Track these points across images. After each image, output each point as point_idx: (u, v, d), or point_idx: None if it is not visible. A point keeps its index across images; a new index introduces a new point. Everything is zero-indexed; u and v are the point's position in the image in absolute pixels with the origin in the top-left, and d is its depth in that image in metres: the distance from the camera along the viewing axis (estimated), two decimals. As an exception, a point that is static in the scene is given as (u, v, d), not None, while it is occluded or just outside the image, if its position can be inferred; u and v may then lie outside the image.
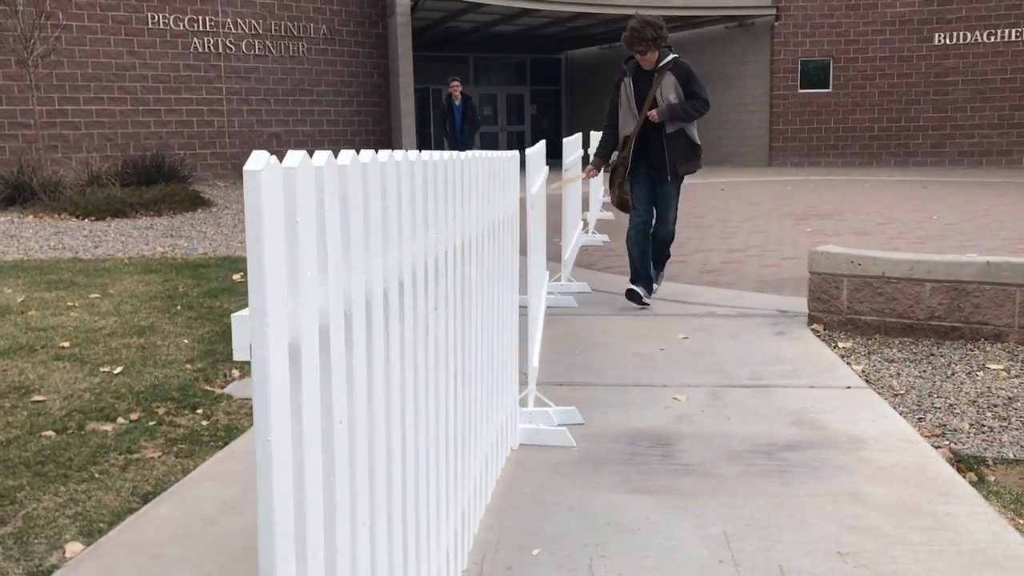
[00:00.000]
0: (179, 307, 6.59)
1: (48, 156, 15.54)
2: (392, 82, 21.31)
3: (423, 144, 26.20)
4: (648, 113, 6.17)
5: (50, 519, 3.11)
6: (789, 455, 3.62)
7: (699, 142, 6.43)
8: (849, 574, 2.64)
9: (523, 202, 3.96)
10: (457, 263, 2.38)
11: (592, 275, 7.98)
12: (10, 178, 13.81)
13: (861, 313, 5.60)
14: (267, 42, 19.77)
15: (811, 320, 5.80)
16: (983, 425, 4.00)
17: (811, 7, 23.93)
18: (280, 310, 1.09)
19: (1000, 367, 4.83)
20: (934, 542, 2.83)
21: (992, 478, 3.45)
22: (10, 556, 2.84)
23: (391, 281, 1.66)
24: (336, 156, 1.30)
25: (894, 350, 5.24)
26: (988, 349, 5.16)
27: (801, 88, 24.43)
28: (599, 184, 12.62)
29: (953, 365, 4.91)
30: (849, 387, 4.53)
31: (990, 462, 3.60)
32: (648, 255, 6.44)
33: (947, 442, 3.81)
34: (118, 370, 4.92)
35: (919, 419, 4.10)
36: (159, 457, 3.70)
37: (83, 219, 12.57)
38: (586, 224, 10.80)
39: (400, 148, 20.14)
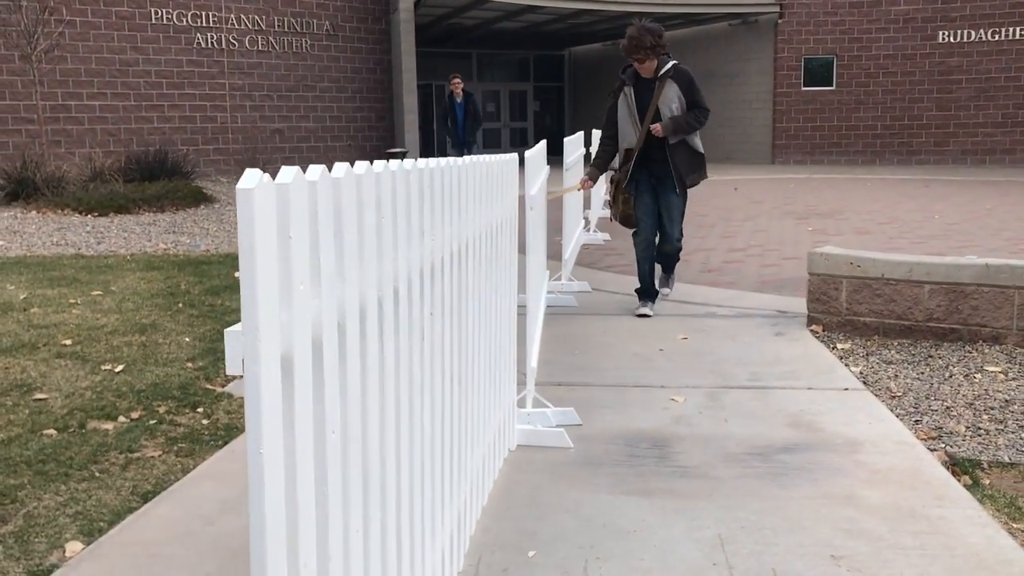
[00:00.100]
0: (181, 305, 6.61)
1: (51, 151, 15.58)
2: (395, 78, 21.32)
3: (426, 140, 26.22)
4: (652, 127, 5.98)
5: (51, 518, 3.14)
6: (785, 457, 3.64)
7: (702, 151, 6.26)
8: (842, 578, 2.66)
9: (522, 200, 3.98)
10: (454, 268, 2.40)
11: (593, 274, 7.99)
12: (13, 173, 13.84)
13: (860, 314, 5.62)
14: (270, 38, 19.79)
15: (810, 321, 5.82)
16: (979, 428, 4.02)
17: (815, 4, 23.90)
18: (272, 326, 1.11)
19: (998, 369, 4.85)
20: (927, 546, 2.85)
21: (987, 481, 3.47)
22: (11, 555, 2.86)
23: (386, 289, 1.68)
24: (331, 168, 1.31)
25: (893, 352, 5.25)
26: (986, 351, 5.17)
27: (805, 86, 24.39)
28: (601, 182, 12.61)
29: (951, 367, 4.92)
30: (847, 389, 4.54)
31: (985, 465, 3.62)
32: (654, 271, 6.37)
33: (943, 445, 3.82)
34: (119, 368, 4.95)
35: (916, 421, 4.12)
36: (159, 456, 3.73)
37: (86, 215, 12.60)
38: (587, 222, 10.81)
39: (403, 144, 20.22)
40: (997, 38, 22.73)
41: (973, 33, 22.88)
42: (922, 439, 3.86)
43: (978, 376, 4.75)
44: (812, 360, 5.08)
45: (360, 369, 1.53)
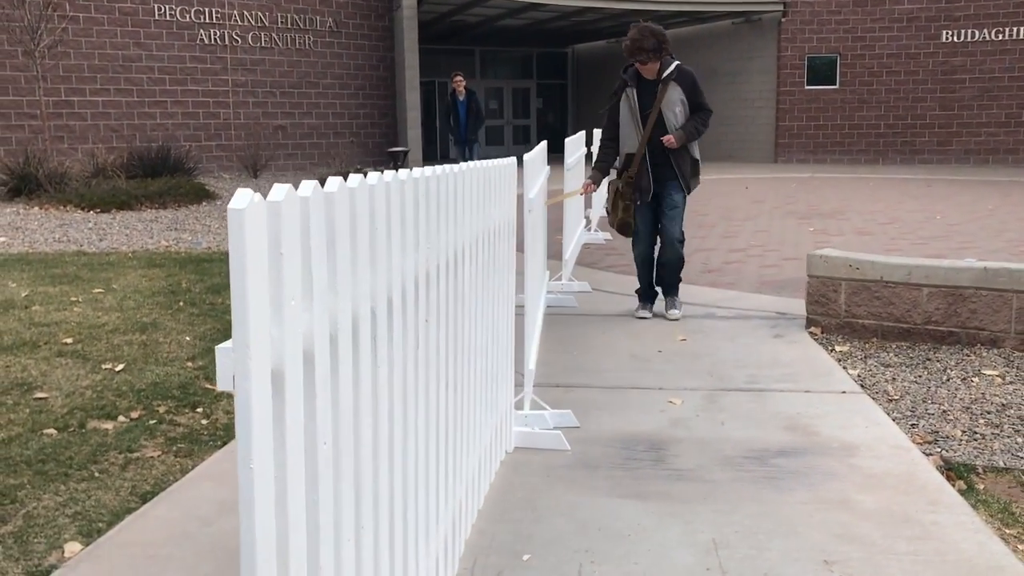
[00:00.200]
0: (182, 303, 6.64)
1: (54, 147, 15.61)
2: (398, 75, 21.33)
3: (428, 137, 26.24)
4: (664, 140, 5.86)
5: (50, 518, 3.16)
6: (781, 461, 3.66)
7: (699, 157, 6.17)
8: (835, 583, 2.68)
9: (521, 198, 3.99)
10: (450, 275, 2.42)
11: (593, 274, 8.01)
12: (16, 169, 13.88)
13: (859, 317, 5.63)
14: (273, 34, 19.80)
15: (809, 323, 5.83)
16: (975, 432, 4.03)
17: (819, 3, 23.88)
18: (262, 343, 1.13)
19: (995, 373, 4.86)
20: (920, 552, 2.86)
21: (981, 486, 3.48)
22: (10, 555, 2.89)
23: (379, 300, 1.70)
24: (329, 174, 1.33)
25: (891, 354, 5.27)
26: (984, 355, 5.19)
27: (808, 85, 24.38)
28: (603, 180, 12.61)
29: (949, 370, 4.93)
30: (844, 392, 4.56)
31: (980, 470, 3.63)
32: (653, 272, 6.30)
33: (939, 449, 3.84)
34: (120, 367, 4.97)
35: (912, 425, 4.13)
36: (158, 456, 3.75)
37: (88, 211, 12.63)
38: (588, 222, 10.81)
39: (405, 141, 20.23)
40: (1001, 38, 22.70)
41: (977, 32, 22.85)
42: (918, 443, 3.88)
43: (975, 380, 4.76)
44: (810, 363, 5.10)
45: (353, 380, 1.55)
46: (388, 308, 1.77)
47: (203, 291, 7.10)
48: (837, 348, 5.41)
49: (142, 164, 15.52)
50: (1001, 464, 3.68)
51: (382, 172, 1.69)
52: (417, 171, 2.00)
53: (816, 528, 3.04)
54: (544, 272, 6.39)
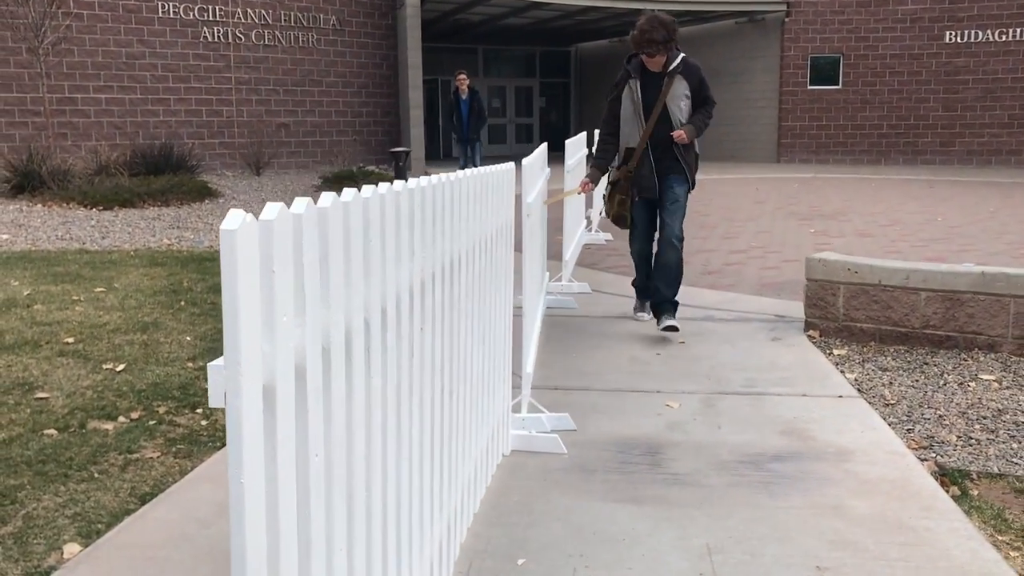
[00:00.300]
0: (183, 303, 6.67)
1: (58, 144, 15.65)
2: (401, 73, 21.35)
3: (431, 135, 26.26)
4: (675, 135, 5.60)
5: (49, 519, 3.19)
6: (776, 466, 3.68)
7: (698, 151, 5.99)
8: (827, 589, 2.70)
9: (519, 198, 4.01)
10: (445, 282, 2.44)
11: (594, 275, 8.02)
12: (20, 166, 13.92)
13: (857, 320, 5.64)
14: (276, 32, 19.83)
15: (807, 326, 5.85)
16: (971, 437, 4.05)
17: (822, 3, 23.87)
18: (254, 360, 1.15)
19: (992, 378, 4.88)
20: (912, 558, 2.88)
21: (975, 492, 3.50)
22: (9, 556, 2.91)
23: (373, 311, 1.72)
24: (316, 201, 1.35)
25: (888, 358, 5.28)
26: (981, 359, 5.20)
27: (811, 85, 24.37)
28: (604, 180, 12.61)
29: (946, 375, 4.95)
30: (841, 396, 4.57)
31: (974, 476, 3.65)
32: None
33: (934, 454, 3.86)
34: (120, 367, 5.00)
35: (908, 430, 4.15)
36: (158, 457, 3.78)
37: (91, 208, 12.67)
38: (589, 222, 10.82)
39: (408, 139, 20.24)
40: (1004, 39, 22.68)
41: (980, 33, 22.83)
42: (913, 448, 3.90)
43: (972, 384, 4.78)
44: (807, 366, 5.12)
45: (345, 392, 1.57)
46: (382, 319, 1.79)
47: (204, 290, 7.13)
48: (835, 351, 5.43)
49: (145, 161, 15.56)
50: (995, 470, 3.70)
51: (385, 170, 1.70)
52: (413, 181, 2.02)
53: (810, 534, 3.06)
54: (543, 276, 6.38)
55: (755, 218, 12.30)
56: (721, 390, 4.70)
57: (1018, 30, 22.55)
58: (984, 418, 4.29)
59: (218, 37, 19.03)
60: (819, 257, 5.79)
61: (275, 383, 1.24)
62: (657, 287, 5.77)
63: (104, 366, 5.02)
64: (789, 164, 24.28)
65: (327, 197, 1.44)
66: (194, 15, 18.68)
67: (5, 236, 10.27)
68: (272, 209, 1.21)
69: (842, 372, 5.00)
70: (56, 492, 3.41)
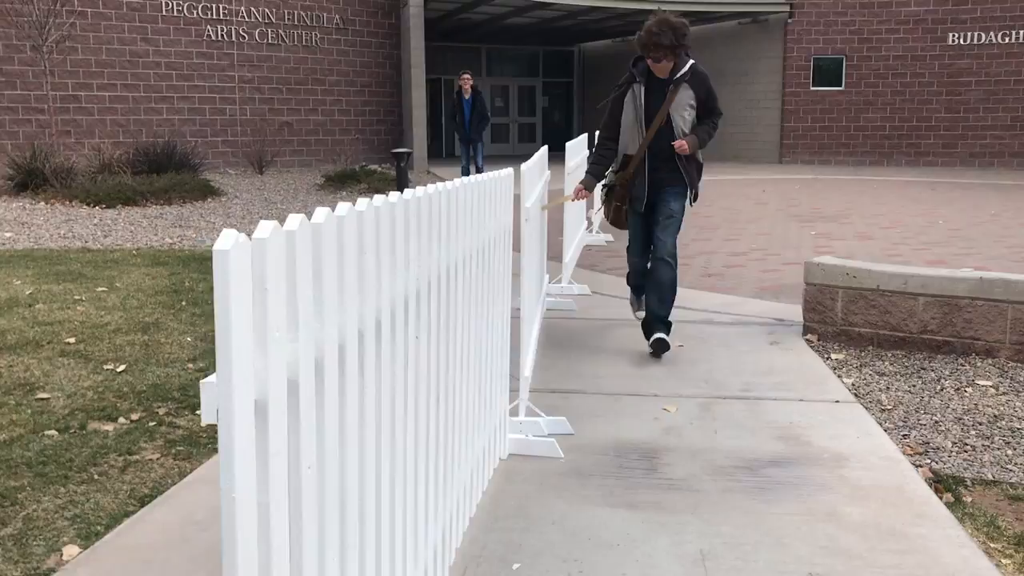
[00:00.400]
0: (184, 303, 6.69)
1: (61, 142, 15.68)
2: (404, 73, 21.37)
3: (434, 134, 26.28)
4: (676, 145, 5.29)
5: (49, 521, 3.21)
6: (772, 471, 3.70)
7: (703, 161, 5.65)
8: (818, 596, 2.72)
9: (518, 198, 4.03)
10: (441, 291, 2.46)
11: (594, 276, 8.04)
12: (23, 164, 13.96)
13: (855, 325, 5.66)
14: (280, 31, 19.86)
15: (806, 330, 5.87)
16: (966, 444, 4.07)
17: (825, 4, 23.86)
18: (246, 377, 1.17)
19: (989, 383, 4.89)
20: (904, 565, 2.90)
21: (969, 499, 3.52)
22: (9, 558, 2.94)
23: (367, 322, 1.74)
24: (310, 216, 1.37)
25: (886, 363, 5.30)
26: (979, 365, 5.22)
27: (813, 86, 24.37)
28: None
29: (943, 380, 4.97)
30: (838, 401, 4.59)
31: (968, 482, 3.67)
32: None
33: (929, 461, 3.88)
34: (121, 368, 5.02)
35: (903, 436, 4.17)
36: (157, 459, 3.80)
37: (93, 207, 12.70)
38: (590, 223, 10.83)
39: (411, 138, 20.26)
40: (1007, 41, 22.67)
41: (983, 35, 22.82)
42: (908, 454, 3.91)
43: (969, 390, 4.80)
44: (805, 371, 5.13)
45: (338, 403, 1.59)
46: (376, 330, 1.81)
47: (206, 290, 7.16)
48: (833, 356, 5.45)
49: (148, 160, 15.59)
50: (990, 476, 3.72)
51: (388, 169, 1.72)
52: (408, 192, 2.04)
53: (803, 540, 3.08)
54: (542, 280, 6.37)
55: (756, 220, 12.31)
56: (718, 394, 4.72)
57: (1021, 32, 22.53)
58: (980, 424, 4.30)
59: (222, 35, 19.07)
60: (818, 261, 5.81)
61: (267, 398, 1.26)
62: (649, 306, 5.55)
63: (105, 367, 5.05)
64: (792, 165, 24.28)
65: (321, 212, 1.46)
66: (198, 13, 18.71)
67: (8, 234, 10.31)
68: (265, 227, 1.23)
69: (839, 377, 5.02)
70: (56, 494, 3.44)
